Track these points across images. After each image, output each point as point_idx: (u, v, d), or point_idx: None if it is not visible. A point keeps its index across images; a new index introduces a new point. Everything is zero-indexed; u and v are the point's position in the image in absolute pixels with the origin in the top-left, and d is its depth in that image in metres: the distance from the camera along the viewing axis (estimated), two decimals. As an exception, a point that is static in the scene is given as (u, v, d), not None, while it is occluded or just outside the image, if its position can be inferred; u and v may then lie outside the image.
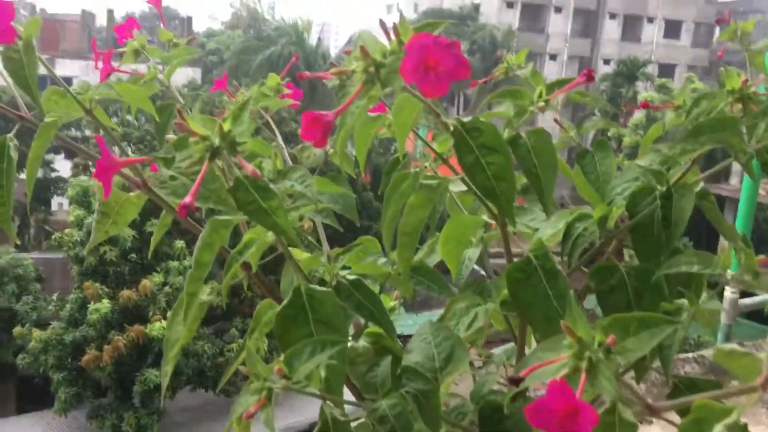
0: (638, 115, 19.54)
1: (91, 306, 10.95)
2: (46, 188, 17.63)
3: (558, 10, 29.37)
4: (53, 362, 11.05)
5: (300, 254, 0.92)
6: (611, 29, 30.34)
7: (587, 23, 30.15)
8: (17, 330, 11.72)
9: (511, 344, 1.06)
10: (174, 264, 11.02)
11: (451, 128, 0.68)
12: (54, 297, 12.13)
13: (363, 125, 0.87)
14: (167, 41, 1.21)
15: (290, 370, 0.62)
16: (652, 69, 25.49)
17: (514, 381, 0.51)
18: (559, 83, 0.75)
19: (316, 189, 0.68)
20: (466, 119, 0.68)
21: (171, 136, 0.97)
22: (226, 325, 11.62)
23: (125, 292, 10.95)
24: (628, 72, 23.22)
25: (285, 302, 0.77)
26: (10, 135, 0.94)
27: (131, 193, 0.97)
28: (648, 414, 0.63)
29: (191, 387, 11.32)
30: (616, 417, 0.56)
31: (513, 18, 27.99)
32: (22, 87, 0.74)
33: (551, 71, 27.21)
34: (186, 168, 0.59)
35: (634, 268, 0.90)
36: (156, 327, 10.69)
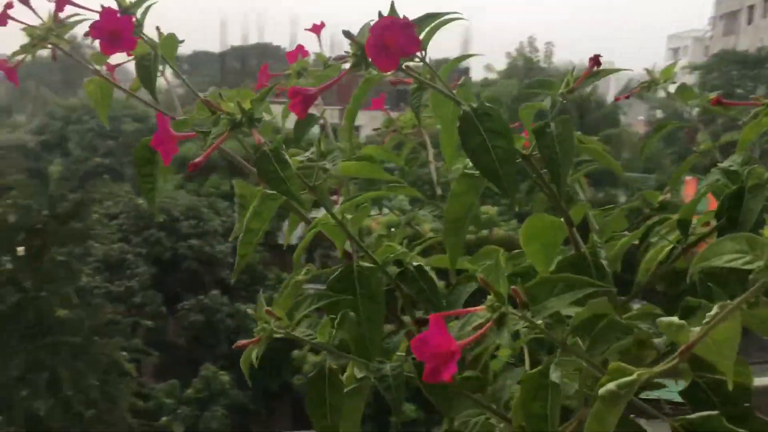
0: None
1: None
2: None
3: None
4: (322, 386, 11.98)
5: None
6: None
7: None
8: (296, 353, 12.93)
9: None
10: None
11: (462, 111, 0.73)
12: (329, 325, 13.21)
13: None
14: (324, 62, 1.37)
15: (290, 318, 0.71)
16: None
17: (420, 322, 0.55)
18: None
19: (341, 168, 0.77)
20: (475, 104, 0.73)
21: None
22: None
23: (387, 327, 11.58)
24: None
25: (335, 275, 0.86)
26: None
27: (258, 187, 1.14)
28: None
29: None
30: (549, 379, 0.57)
31: (823, 59, 25.01)
32: (146, 87, 0.93)
33: None
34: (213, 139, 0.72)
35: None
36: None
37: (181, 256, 14.20)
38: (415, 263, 0.94)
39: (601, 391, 0.49)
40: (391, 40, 0.61)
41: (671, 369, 0.52)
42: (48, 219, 9.75)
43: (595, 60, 0.72)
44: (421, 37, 0.75)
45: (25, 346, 9.08)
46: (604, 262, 0.82)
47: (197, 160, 0.68)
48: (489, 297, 0.56)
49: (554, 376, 0.56)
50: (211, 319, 13.71)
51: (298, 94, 0.64)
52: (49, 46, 1.08)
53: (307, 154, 0.82)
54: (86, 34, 0.94)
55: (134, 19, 0.95)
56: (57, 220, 9.82)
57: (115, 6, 0.94)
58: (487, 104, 0.72)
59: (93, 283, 11.43)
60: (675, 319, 0.54)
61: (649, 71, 1.27)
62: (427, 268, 0.93)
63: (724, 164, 0.85)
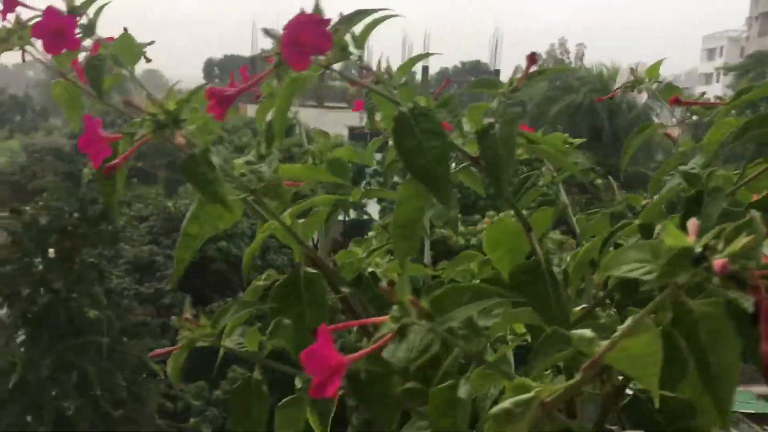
0: None
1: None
2: (360, 228, 19.38)
3: None
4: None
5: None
6: None
7: None
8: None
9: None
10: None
11: (398, 112, 0.70)
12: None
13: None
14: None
15: (214, 326, 0.68)
16: None
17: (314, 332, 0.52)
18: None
19: (276, 171, 0.74)
20: (411, 105, 0.70)
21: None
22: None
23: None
24: None
25: (282, 281, 0.83)
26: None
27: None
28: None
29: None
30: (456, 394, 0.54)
31: None
32: (93, 88, 0.91)
33: None
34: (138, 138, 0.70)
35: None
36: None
37: (209, 257, 14.31)
38: (370, 269, 0.92)
39: (494, 409, 0.46)
40: (305, 38, 0.59)
41: (579, 385, 0.48)
42: (79, 221, 9.87)
43: (531, 59, 0.68)
44: (358, 34, 0.73)
45: (55, 346, 9.19)
46: (556, 269, 0.79)
47: (113, 162, 0.66)
48: (394, 307, 0.53)
49: (462, 391, 0.53)
50: (239, 321, 13.80)
51: (213, 95, 0.62)
52: (16, 48, 1.07)
53: (249, 156, 0.80)
54: (33, 35, 0.93)
55: (86, 20, 0.94)
56: (88, 222, 9.93)
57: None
58: (422, 105, 0.69)
59: (123, 285, 11.57)
60: (587, 331, 0.51)
61: (632, 70, 1.23)
62: (381, 275, 0.91)
63: (686, 167, 0.81)
